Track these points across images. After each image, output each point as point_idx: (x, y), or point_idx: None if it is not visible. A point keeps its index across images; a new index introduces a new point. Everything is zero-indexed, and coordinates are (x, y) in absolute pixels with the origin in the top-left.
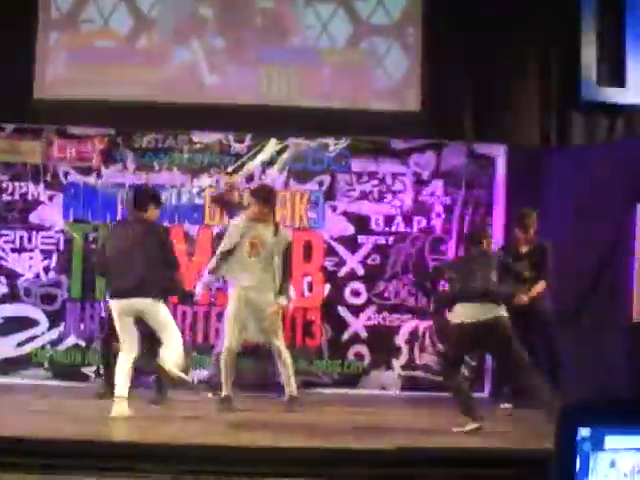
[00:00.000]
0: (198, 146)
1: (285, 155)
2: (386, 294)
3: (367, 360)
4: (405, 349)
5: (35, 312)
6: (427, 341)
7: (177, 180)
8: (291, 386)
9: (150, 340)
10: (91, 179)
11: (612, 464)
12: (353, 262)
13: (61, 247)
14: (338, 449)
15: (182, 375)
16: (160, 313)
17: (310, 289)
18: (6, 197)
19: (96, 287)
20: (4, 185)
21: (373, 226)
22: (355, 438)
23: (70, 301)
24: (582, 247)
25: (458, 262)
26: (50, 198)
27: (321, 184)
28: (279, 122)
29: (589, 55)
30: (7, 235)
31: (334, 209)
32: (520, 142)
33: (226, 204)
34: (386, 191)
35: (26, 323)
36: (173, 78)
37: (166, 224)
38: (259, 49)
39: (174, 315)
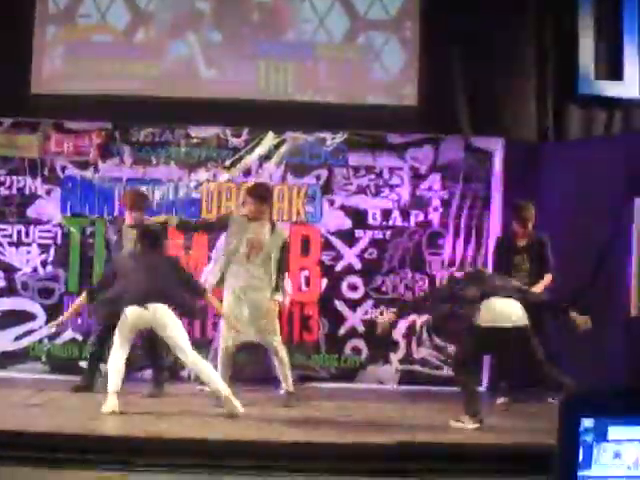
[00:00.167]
0: (195, 140)
1: (282, 149)
2: (383, 288)
3: (364, 354)
4: (402, 343)
5: (32, 306)
6: (424, 335)
7: (174, 174)
8: (288, 382)
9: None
10: (88, 173)
11: (615, 455)
12: (350, 256)
13: (58, 241)
14: (336, 444)
15: (238, 406)
16: (170, 326)
17: (307, 283)
18: (3, 191)
19: (93, 281)
20: (1, 179)
21: (370, 220)
22: (353, 433)
23: (67, 295)
24: (580, 241)
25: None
26: (47, 192)
27: (318, 178)
28: (276, 116)
29: (587, 49)
30: (4, 229)
31: (331, 203)
32: (518, 136)
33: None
34: (383, 185)
35: (23, 317)
36: (170, 72)
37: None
38: (256, 43)
39: None
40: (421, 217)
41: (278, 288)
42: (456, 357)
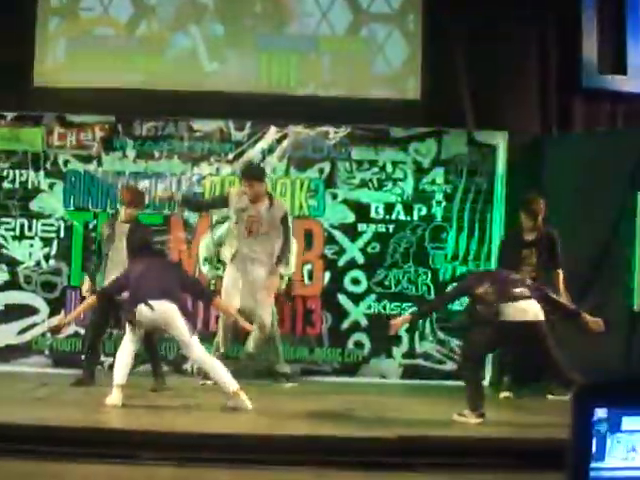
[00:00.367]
0: (198, 134)
1: (285, 143)
2: (386, 282)
3: (367, 348)
4: (405, 337)
5: (35, 300)
6: (427, 329)
7: (177, 168)
8: (280, 361)
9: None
10: (91, 167)
11: (629, 446)
12: (353, 250)
13: (61, 235)
14: (338, 437)
15: (246, 401)
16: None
17: (310, 277)
18: (7, 185)
19: (96, 275)
20: (4, 173)
21: (373, 214)
22: (355, 427)
23: (70, 288)
24: (583, 234)
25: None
26: (50, 186)
27: (321, 172)
28: (279, 110)
29: (590, 43)
30: (8, 223)
31: (334, 197)
32: (521, 130)
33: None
34: (386, 179)
35: (27, 311)
36: (173, 65)
37: (166, 212)
38: (259, 36)
39: None
40: (424, 211)
41: (282, 261)
42: (465, 351)
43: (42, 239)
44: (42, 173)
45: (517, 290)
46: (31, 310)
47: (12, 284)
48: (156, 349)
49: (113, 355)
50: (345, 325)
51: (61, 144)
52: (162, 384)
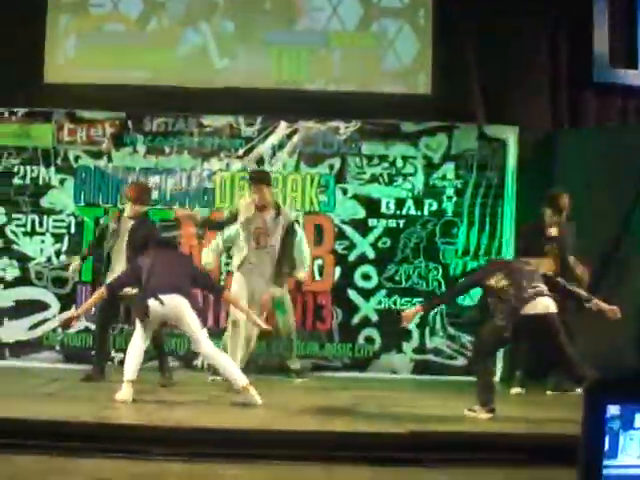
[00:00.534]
0: (208, 129)
1: (295, 138)
2: (397, 278)
3: (378, 344)
4: (416, 333)
5: (46, 295)
6: (438, 325)
7: (187, 164)
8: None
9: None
10: (102, 163)
11: None
12: (364, 245)
13: (72, 231)
14: (349, 433)
15: (256, 396)
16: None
17: (321, 273)
18: (17, 181)
19: (107, 270)
20: (15, 169)
21: (384, 209)
22: (366, 422)
23: (81, 284)
24: (594, 229)
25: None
26: (61, 182)
27: (332, 167)
28: (289, 105)
29: (602, 37)
30: (19, 219)
31: (345, 192)
32: (532, 125)
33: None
34: (397, 174)
35: (38, 306)
36: (183, 61)
37: (176, 207)
38: (269, 32)
39: None
40: (435, 206)
41: (280, 277)
42: (476, 346)
43: (53, 235)
44: (53, 169)
45: (531, 290)
46: (42, 306)
47: (23, 280)
48: (162, 344)
49: (123, 351)
50: (355, 320)
51: (71, 140)
52: (169, 379)
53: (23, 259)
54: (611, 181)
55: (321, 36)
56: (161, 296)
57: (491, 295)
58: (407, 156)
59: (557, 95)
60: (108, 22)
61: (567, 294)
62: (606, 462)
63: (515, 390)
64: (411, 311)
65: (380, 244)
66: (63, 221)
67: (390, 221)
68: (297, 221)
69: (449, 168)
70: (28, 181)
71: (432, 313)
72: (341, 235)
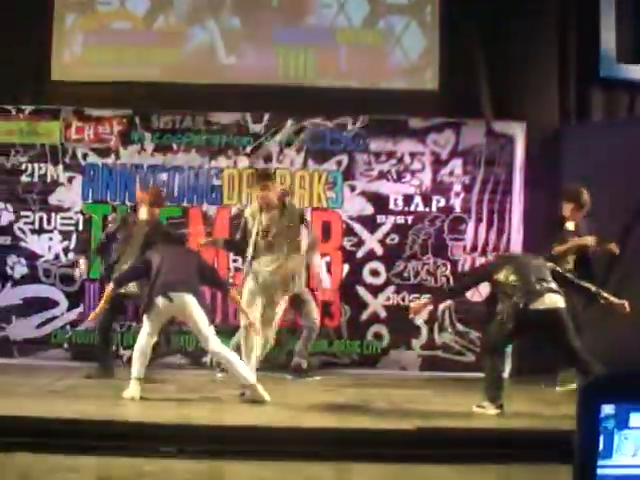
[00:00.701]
0: (216, 127)
1: (303, 135)
2: (405, 274)
3: (386, 340)
4: (424, 329)
5: (54, 293)
6: (447, 321)
7: (195, 161)
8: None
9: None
10: (109, 160)
11: (638, 443)
12: (372, 242)
13: (80, 228)
14: (357, 429)
15: (264, 394)
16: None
17: (329, 269)
18: (25, 178)
19: (115, 268)
20: (23, 167)
21: (392, 206)
22: (374, 418)
23: (89, 281)
24: (602, 224)
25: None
26: (69, 179)
27: (339, 164)
28: (297, 102)
29: (608, 32)
30: (27, 217)
31: (352, 189)
32: (539, 120)
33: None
34: (404, 170)
35: (46, 304)
36: (190, 59)
37: (184, 205)
38: (276, 29)
39: None
40: (443, 202)
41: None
42: (485, 342)
43: (61, 232)
44: (60, 167)
45: (539, 285)
46: (50, 303)
47: (31, 278)
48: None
49: (131, 348)
50: (364, 317)
51: (79, 138)
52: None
53: (31, 257)
54: (618, 176)
55: (328, 33)
56: (170, 293)
57: (499, 290)
58: (415, 152)
59: (564, 91)
60: (115, 20)
61: (576, 288)
62: (601, 462)
63: (524, 386)
64: (420, 304)
65: (388, 240)
66: (71, 219)
67: (398, 217)
68: (305, 219)
69: (457, 164)
70: (36, 179)
71: (440, 309)
72: (349, 232)
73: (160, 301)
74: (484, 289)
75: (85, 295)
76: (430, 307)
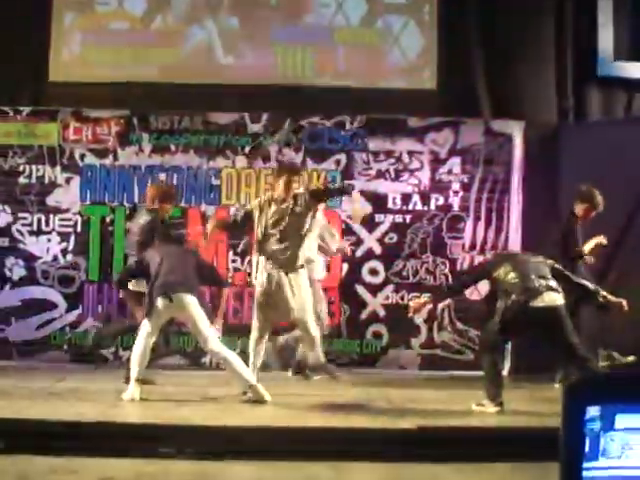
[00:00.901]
0: (214, 127)
1: (301, 134)
2: (404, 273)
3: (385, 339)
4: (424, 328)
5: (53, 295)
6: (446, 320)
7: (193, 161)
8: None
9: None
10: (107, 161)
11: (624, 445)
12: (371, 241)
13: (78, 229)
14: (357, 428)
15: (265, 394)
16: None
17: (328, 268)
18: (23, 180)
19: (113, 269)
20: (21, 168)
21: (390, 205)
22: (374, 418)
23: (88, 283)
24: (600, 223)
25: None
26: (67, 180)
27: (338, 163)
28: (295, 102)
29: (606, 31)
30: (24, 218)
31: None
32: (537, 119)
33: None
34: (403, 169)
35: (44, 306)
36: (188, 59)
37: (183, 205)
38: (274, 28)
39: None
40: (441, 201)
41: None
42: (483, 340)
43: (59, 234)
44: (58, 168)
45: (538, 282)
46: (49, 305)
47: (30, 279)
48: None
49: (130, 349)
50: (363, 316)
51: (77, 139)
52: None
53: (29, 258)
54: (617, 174)
55: (326, 32)
56: (170, 294)
57: (498, 288)
58: (413, 151)
59: (562, 89)
60: (113, 20)
61: (575, 286)
62: (587, 464)
63: (524, 383)
64: (419, 303)
65: (387, 239)
66: (69, 220)
67: (397, 216)
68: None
69: (455, 163)
70: (34, 180)
71: (440, 308)
72: (348, 231)
73: (160, 302)
74: (483, 287)
75: (84, 296)
76: (429, 306)
